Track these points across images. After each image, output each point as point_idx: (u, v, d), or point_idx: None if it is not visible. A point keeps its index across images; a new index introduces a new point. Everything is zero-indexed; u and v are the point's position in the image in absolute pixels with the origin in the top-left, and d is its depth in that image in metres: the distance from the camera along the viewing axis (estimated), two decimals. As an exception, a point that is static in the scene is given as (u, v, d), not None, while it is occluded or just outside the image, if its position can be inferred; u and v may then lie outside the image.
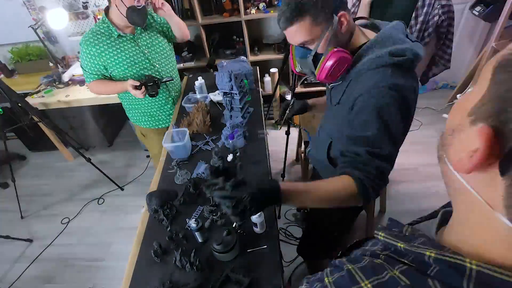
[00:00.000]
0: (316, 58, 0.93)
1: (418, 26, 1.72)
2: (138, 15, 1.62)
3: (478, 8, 2.50)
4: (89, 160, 2.72)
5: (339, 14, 0.87)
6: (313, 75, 0.97)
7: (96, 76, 1.80)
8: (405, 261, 0.42)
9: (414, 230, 0.49)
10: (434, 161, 2.56)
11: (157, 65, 1.90)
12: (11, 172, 2.71)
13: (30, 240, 2.60)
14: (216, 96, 2.20)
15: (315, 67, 0.94)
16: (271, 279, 1.14)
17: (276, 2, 2.85)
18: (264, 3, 2.77)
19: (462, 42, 3.05)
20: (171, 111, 2.10)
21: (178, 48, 3.20)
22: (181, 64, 3.06)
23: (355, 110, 0.91)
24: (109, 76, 1.84)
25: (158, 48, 1.88)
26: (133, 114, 2.08)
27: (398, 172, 2.56)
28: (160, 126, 2.11)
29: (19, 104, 2.48)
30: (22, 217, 2.81)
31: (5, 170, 3.09)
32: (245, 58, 2.31)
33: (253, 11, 2.74)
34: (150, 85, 1.77)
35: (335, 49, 0.89)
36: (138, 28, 1.77)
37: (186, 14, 2.88)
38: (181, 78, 2.98)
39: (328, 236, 1.46)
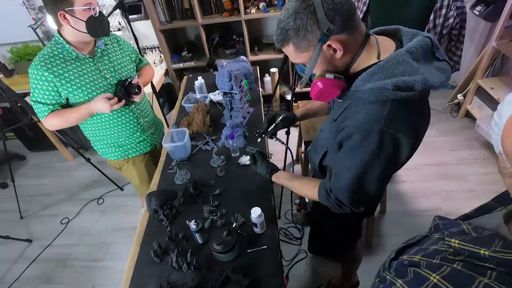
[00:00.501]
0: (313, 74, 0.90)
1: (439, 28, 1.70)
2: (99, 24, 1.42)
3: (478, 8, 2.50)
4: (88, 160, 2.72)
5: (328, 43, 0.78)
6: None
7: (52, 106, 1.48)
8: (489, 265, 0.42)
9: (477, 228, 0.49)
10: (434, 161, 2.58)
11: None
12: (11, 172, 2.70)
13: (29, 240, 2.59)
14: (216, 96, 2.20)
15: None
16: (271, 279, 1.14)
17: (276, 2, 2.84)
18: (264, 3, 2.76)
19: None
20: (141, 139, 1.83)
21: (178, 47, 3.20)
22: (181, 64, 3.05)
23: (342, 139, 0.89)
24: (65, 104, 1.53)
25: (122, 73, 1.63)
26: (100, 146, 1.81)
27: (399, 172, 2.56)
28: (132, 156, 1.85)
29: (19, 104, 2.48)
30: (21, 217, 2.80)
31: (4, 170, 3.09)
32: (245, 58, 2.30)
33: (253, 10, 2.74)
34: (125, 87, 1.56)
35: (322, 78, 0.85)
36: (98, 50, 1.54)
37: (186, 14, 2.88)
38: (181, 78, 2.97)
39: (334, 235, 1.44)
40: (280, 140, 1.36)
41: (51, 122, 1.51)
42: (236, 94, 1.79)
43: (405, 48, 0.79)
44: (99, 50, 1.55)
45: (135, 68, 1.77)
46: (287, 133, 2.25)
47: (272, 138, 1.34)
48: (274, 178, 1.26)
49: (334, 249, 1.56)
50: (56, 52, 1.44)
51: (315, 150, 1.22)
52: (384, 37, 0.89)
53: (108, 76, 1.57)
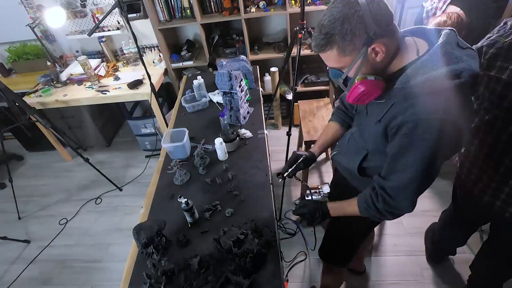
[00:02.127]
0: (348, 79, 0.92)
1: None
2: None
3: (480, 7, 2.47)
4: (87, 160, 2.70)
5: (372, 46, 0.82)
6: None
7: None
8: None
9: None
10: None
11: None
12: (9, 172, 2.68)
13: (27, 241, 2.57)
14: (216, 96, 2.18)
15: (346, 86, 0.94)
16: (271, 281, 1.12)
17: (276, 1, 2.82)
18: (264, 2, 2.74)
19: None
20: None
21: (177, 47, 3.18)
22: (180, 63, 3.03)
23: (397, 139, 0.88)
24: None
25: None
26: None
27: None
28: None
29: (17, 104, 2.45)
30: (19, 218, 2.78)
31: (2, 170, 3.07)
32: (245, 57, 2.28)
33: (253, 9, 2.72)
34: None
35: (364, 80, 0.87)
36: None
37: (185, 13, 2.86)
38: (180, 78, 2.95)
39: (348, 236, 1.43)
40: (298, 179, 1.37)
41: None
42: (236, 93, 1.77)
43: (442, 42, 0.83)
44: None
45: None
46: (288, 133, 2.24)
47: (291, 177, 1.33)
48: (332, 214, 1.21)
49: (341, 256, 1.53)
50: None
51: (346, 155, 1.22)
52: (416, 38, 0.92)
53: None
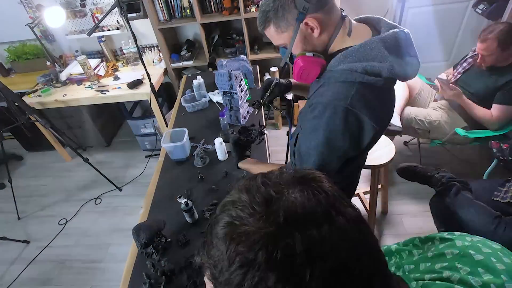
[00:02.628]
0: (293, 57, 0.94)
1: None
2: None
3: (481, 6, 2.47)
4: (86, 160, 2.69)
5: (305, 21, 0.84)
6: None
7: None
8: None
9: None
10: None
11: None
12: (8, 172, 2.67)
13: (27, 242, 2.56)
14: (216, 96, 2.18)
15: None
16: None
17: (276, 0, 2.82)
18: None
19: (465, 40, 3.02)
20: None
21: (177, 46, 3.17)
22: (180, 63, 3.02)
23: (310, 115, 0.90)
24: None
25: None
26: None
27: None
28: None
29: (16, 104, 2.45)
30: (19, 218, 2.78)
31: (1, 170, 3.06)
32: (245, 57, 2.28)
33: (253, 9, 2.71)
34: None
35: (303, 56, 0.89)
36: None
37: (185, 13, 2.85)
38: (180, 78, 2.95)
39: None
40: (277, 108, 1.34)
41: None
42: (236, 93, 1.76)
43: (380, 37, 0.84)
44: None
45: None
46: (289, 134, 2.23)
47: (269, 108, 1.31)
48: (241, 164, 1.29)
49: None
50: None
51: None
52: (362, 24, 0.94)
53: None
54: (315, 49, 0.91)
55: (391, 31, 0.85)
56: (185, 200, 1.31)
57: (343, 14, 0.90)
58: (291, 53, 0.94)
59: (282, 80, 1.30)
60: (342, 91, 0.83)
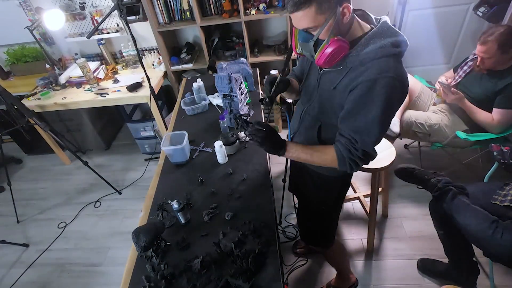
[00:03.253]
0: (317, 43, 0.99)
1: None
2: None
3: (482, 9, 2.47)
4: (86, 163, 2.68)
5: (343, 5, 0.91)
6: (312, 59, 1.03)
7: None
8: None
9: None
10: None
11: None
12: (7, 175, 2.66)
13: (26, 245, 2.55)
14: (216, 99, 2.17)
15: (315, 51, 1.00)
16: (271, 285, 1.11)
17: (276, 3, 2.82)
18: (264, 4, 2.73)
19: (466, 43, 3.02)
20: None
21: (177, 49, 3.17)
22: (180, 66, 3.02)
23: (356, 95, 0.98)
24: None
25: None
26: None
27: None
28: None
29: (15, 107, 2.44)
30: (18, 222, 2.77)
31: (1, 173, 3.05)
32: (244, 59, 2.27)
33: (253, 12, 2.71)
34: None
35: (336, 38, 0.94)
36: None
37: (185, 15, 2.85)
38: (180, 81, 2.94)
39: (320, 215, 1.45)
40: (278, 103, 1.33)
41: None
42: (235, 96, 1.76)
43: (384, 21, 1.01)
44: None
45: None
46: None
47: (273, 100, 1.30)
48: (287, 153, 1.13)
49: (319, 237, 1.56)
50: None
51: (303, 131, 1.28)
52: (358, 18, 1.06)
53: None
54: (340, 35, 0.96)
55: (382, 18, 1.02)
56: (176, 200, 1.32)
57: None
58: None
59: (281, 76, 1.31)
60: (385, 65, 0.94)
